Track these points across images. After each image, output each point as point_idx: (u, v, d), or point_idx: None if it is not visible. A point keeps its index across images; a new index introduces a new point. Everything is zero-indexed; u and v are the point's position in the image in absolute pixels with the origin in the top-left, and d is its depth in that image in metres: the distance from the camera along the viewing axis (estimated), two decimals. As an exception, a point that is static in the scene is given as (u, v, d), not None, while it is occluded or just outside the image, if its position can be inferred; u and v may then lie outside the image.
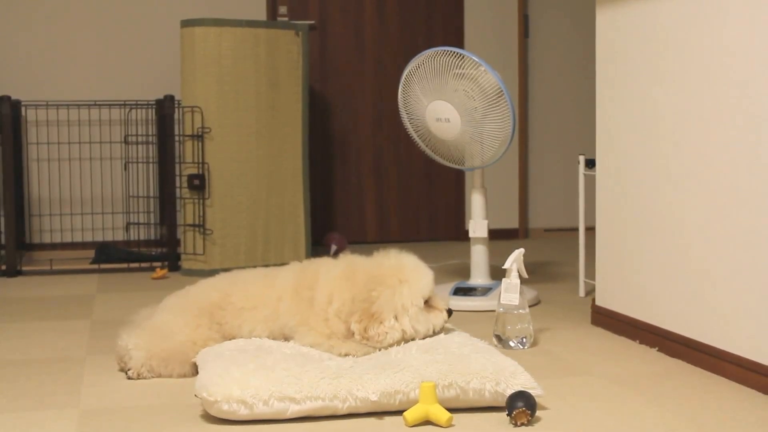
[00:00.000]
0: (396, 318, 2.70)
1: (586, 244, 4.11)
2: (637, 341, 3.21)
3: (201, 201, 4.73)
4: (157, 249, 5.25)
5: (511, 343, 3.15)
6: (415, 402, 2.39)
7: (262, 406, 2.35)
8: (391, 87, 5.93)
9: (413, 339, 2.73)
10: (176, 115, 4.95)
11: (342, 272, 2.83)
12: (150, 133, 5.45)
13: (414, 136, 4.04)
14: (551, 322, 3.57)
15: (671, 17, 2.99)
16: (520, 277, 3.15)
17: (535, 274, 4.69)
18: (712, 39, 2.78)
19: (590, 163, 4.01)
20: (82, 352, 3.15)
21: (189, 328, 2.83)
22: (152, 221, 5.51)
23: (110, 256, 5.05)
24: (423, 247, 5.74)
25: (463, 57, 3.72)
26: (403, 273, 2.76)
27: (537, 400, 2.39)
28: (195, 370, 2.75)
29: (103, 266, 4.95)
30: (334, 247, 5.45)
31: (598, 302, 3.52)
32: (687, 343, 2.93)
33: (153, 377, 2.78)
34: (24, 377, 2.83)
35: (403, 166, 6.00)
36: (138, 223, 5.46)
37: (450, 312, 2.83)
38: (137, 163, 5.43)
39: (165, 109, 4.94)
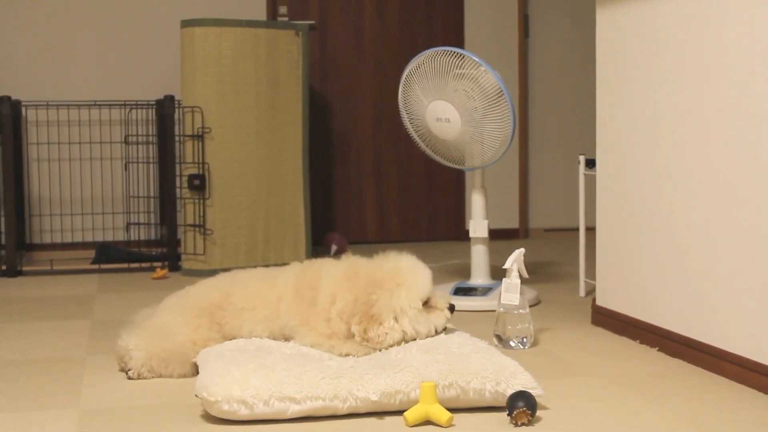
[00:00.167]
0: (396, 319, 2.70)
1: (587, 244, 4.11)
2: (638, 341, 3.21)
3: (201, 201, 4.73)
4: (157, 249, 5.25)
5: (512, 343, 3.15)
6: (415, 402, 2.39)
7: (262, 406, 2.35)
8: (391, 87, 5.93)
9: (414, 339, 2.74)
10: (176, 115, 4.95)
11: (344, 273, 2.83)
12: (150, 133, 5.45)
13: (414, 136, 4.04)
14: (552, 322, 3.57)
15: (671, 17, 2.99)
16: (521, 277, 3.15)
17: (535, 274, 4.69)
18: (712, 39, 2.78)
19: (590, 163, 4.01)
20: (82, 352, 3.15)
21: (189, 329, 2.83)
22: (152, 221, 5.51)
23: (110, 256, 5.05)
24: (423, 247, 5.74)
25: (463, 57, 3.72)
26: (400, 276, 2.75)
27: (537, 400, 2.39)
28: (195, 371, 2.75)
29: (104, 266, 4.95)
30: (334, 248, 5.45)
31: (598, 302, 3.52)
32: (687, 343, 2.93)
33: (153, 377, 2.79)
34: (24, 377, 2.83)
35: (403, 166, 6.00)
36: (138, 223, 5.46)
37: (452, 308, 2.83)
38: (137, 163, 5.43)
39: (165, 109, 4.94)
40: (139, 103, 5.29)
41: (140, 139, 5.43)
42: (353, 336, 2.72)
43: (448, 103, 3.78)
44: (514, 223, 6.17)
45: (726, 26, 2.71)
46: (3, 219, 4.91)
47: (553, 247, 5.71)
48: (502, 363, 2.50)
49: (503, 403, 2.41)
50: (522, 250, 3.19)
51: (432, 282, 2.81)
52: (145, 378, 2.78)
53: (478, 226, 3.97)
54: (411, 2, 5.96)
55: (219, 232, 4.75)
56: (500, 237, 6.04)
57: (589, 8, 6.07)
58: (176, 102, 4.94)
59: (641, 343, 3.19)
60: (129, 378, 2.78)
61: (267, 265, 3.23)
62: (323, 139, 5.90)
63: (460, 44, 6.00)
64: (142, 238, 5.45)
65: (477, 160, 3.92)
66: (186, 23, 4.76)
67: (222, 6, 5.71)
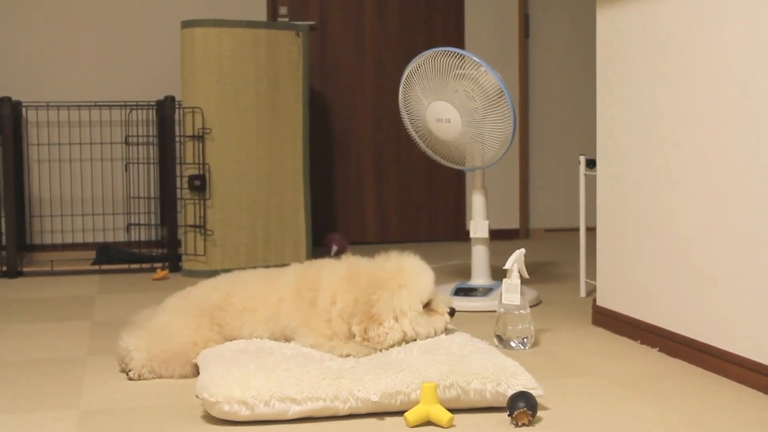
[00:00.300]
0: (396, 320, 2.70)
1: (587, 244, 4.11)
2: (638, 341, 3.21)
3: (201, 202, 4.73)
4: (157, 250, 5.25)
5: (512, 344, 3.15)
6: (416, 402, 2.39)
7: (263, 407, 2.35)
8: (392, 87, 5.93)
9: (414, 340, 2.74)
10: (177, 116, 4.95)
11: (345, 273, 2.83)
12: (150, 133, 5.45)
13: (414, 136, 4.04)
14: (552, 323, 3.57)
15: (671, 17, 2.99)
16: (521, 277, 3.15)
17: (535, 274, 4.69)
18: (712, 39, 2.78)
19: (591, 164, 4.01)
20: (82, 353, 3.15)
21: (190, 329, 2.83)
22: (153, 222, 5.51)
23: (111, 257, 5.05)
24: (423, 247, 5.74)
25: (463, 57, 3.72)
26: (402, 277, 2.75)
27: (538, 400, 2.39)
28: (196, 371, 2.75)
29: (104, 267, 4.95)
30: (334, 248, 5.45)
31: (598, 302, 3.52)
32: (688, 343, 2.93)
33: (154, 378, 2.79)
34: (25, 378, 2.83)
35: (403, 167, 6.00)
36: (139, 224, 5.46)
37: (453, 312, 2.83)
38: (138, 163, 5.43)
39: (165, 109, 4.94)
40: (139, 103, 5.29)
41: (140, 139, 5.43)
42: (354, 336, 2.72)
43: (449, 103, 3.78)
44: (514, 223, 6.17)
45: (726, 26, 2.71)
46: (3, 220, 4.91)
47: (554, 247, 5.71)
48: (502, 363, 2.50)
49: (504, 404, 2.41)
50: (522, 251, 3.19)
51: (434, 284, 2.80)
52: (145, 379, 2.78)
53: (478, 226, 3.97)
54: (411, 2, 5.97)
55: (219, 233, 4.75)
56: (501, 237, 6.04)
57: (589, 8, 6.07)
58: (176, 102, 4.94)
59: (642, 343, 3.19)
60: (129, 379, 2.78)
61: (267, 266, 3.24)
62: (323, 139, 5.90)
63: (461, 44, 6.00)
64: (143, 238, 5.46)
65: (477, 160, 3.92)
66: (186, 24, 4.76)
67: (222, 7, 5.71)
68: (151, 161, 5.44)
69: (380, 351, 2.69)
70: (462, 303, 3.79)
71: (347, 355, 2.68)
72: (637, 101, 3.21)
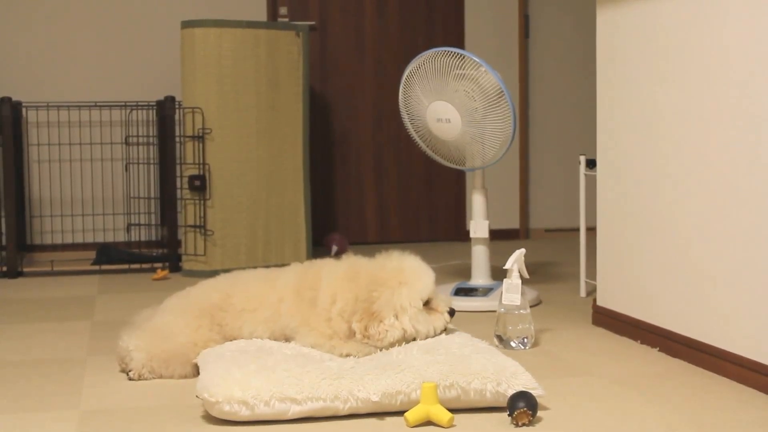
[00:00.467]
0: (396, 317, 2.71)
1: (587, 244, 4.11)
2: (638, 341, 3.21)
3: (202, 202, 4.74)
4: (157, 250, 5.25)
5: (512, 344, 3.15)
6: (416, 402, 2.39)
7: (263, 407, 2.35)
8: (392, 87, 5.93)
9: (414, 339, 2.74)
10: (177, 116, 4.95)
11: (345, 273, 2.83)
12: (151, 134, 5.45)
13: (414, 136, 4.04)
14: (552, 323, 3.57)
15: (671, 17, 2.99)
16: (521, 277, 3.15)
17: (536, 274, 4.69)
18: (712, 39, 2.78)
19: (591, 164, 4.00)
20: (82, 353, 3.15)
21: (190, 330, 2.83)
22: (153, 222, 5.51)
23: (111, 257, 5.05)
24: (423, 247, 5.74)
25: (463, 57, 3.72)
26: (403, 275, 2.76)
27: (538, 400, 2.39)
28: (196, 371, 2.75)
29: (104, 267, 4.95)
30: (334, 248, 5.45)
31: (599, 302, 3.52)
32: (688, 343, 2.93)
33: (154, 378, 2.79)
34: (25, 378, 2.83)
35: (403, 167, 6.00)
36: (139, 224, 5.46)
37: (452, 312, 2.83)
38: (138, 164, 5.43)
39: (165, 110, 4.94)
40: (139, 104, 5.29)
41: (141, 140, 5.43)
42: (354, 335, 2.73)
43: (449, 103, 3.78)
44: (514, 223, 6.17)
45: (726, 26, 2.71)
46: (3, 220, 4.91)
47: (554, 247, 5.71)
48: (502, 363, 2.50)
49: (504, 404, 2.41)
50: (522, 251, 3.19)
51: (434, 283, 2.81)
52: (145, 379, 2.78)
53: (478, 226, 3.97)
54: (411, 2, 5.97)
55: (219, 233, 4.75)
56: (501, 237, 6.04)
57: (589, 8, 6.07)
58: (177, 103, 4.94)
59: (642, 343, 3.19)
60: (130, 379, 2.78)
61: (267, 266, 3.24)
62: (323, 139, 5.90)
63: (461, 45, 6.00)
64: (143, 239, 5.45)
65: (477, 160, 3.92)
66: (186, 24, 4.76)
67: (222, 7, 5.71)
68: (151, 161, 5.44)
69: (380, 349, 2.70)
70: (462, 303, 3.79)
71: (347, 355, 2.68)
72: (637, 101, 3.21)
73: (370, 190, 5.97)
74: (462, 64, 3.73)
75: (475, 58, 3.71)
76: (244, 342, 2.80)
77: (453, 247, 5.80)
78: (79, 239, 5.50)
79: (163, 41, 5.65)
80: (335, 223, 5.93)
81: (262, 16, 5.76)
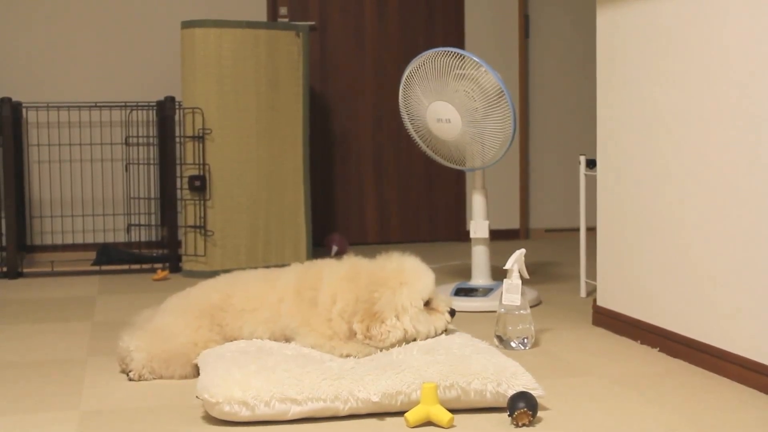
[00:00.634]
0: (397, 317, 2.71)
1: (587, 244, 4.11)
2: (639, 341, 3.21)
3: (202, 202, 4.74)
4: (158, 250, 5.25)
5: (513, 344, 3.15)
6: (416, 403, 2.39)
7: (263, 408, 2.35)
8: (392, 87, 5.93)
9: (415, 339, 2.74)
10: (177, 117, 4.95)
11: (345, 273, 2.84)
12: (151, 134, 5.45)
13: (415, 136, 4.04)
14: (552, 323, 3.57)
15: (671, 17, 2.99)
16: (522, 277, 3.15)
17: (536, 274, 4.69)
18: (712, 39, 2.78)
19: (591, 164, 4.00)
20: (83, 354, 3.15)
21: (190, 330, 2.83)
22: (153, 223, 5.52)
23: (111, 257, 5.05)
24: (424, 247, 5.74)
25: (463, 57, 3.72)
26: (403, 276, 2.77)
27: (538, 400, 2.39)
28: (196, 372, 2.75)
29: (105, 268, 4.95)
30: (334, 248, 5.45)
31: (599, 302, 3.52)
32: (688, 343, 2.93)
33: (154, 379, 2.79)
34: (25, 379, 2.83)
35: (403, 167, 6.00)
36: (139, 225, 5.46)
37: (453, 312, 2.83)
38: (138, 164, 5.43)
39: (166, 110, 4.94)
40: (139, 104, 5.29)
41: (141, 140, 5.43)
42: (355, 335, 2.73)
43: (449, 103, 3.78)
44: (514, 223, 6.17)
45: (726, 26, 2.71)
46: (4, 220, 4.91)
47: (554, 247, 5.71)
48: (503, 364, 2.50)
49: (504, 404, 2.41)
50: (523, 251, 3.19)
51: (434, 284, 2.81)
52: (146, 379, 2.78)
53: (478, 226, 3.97)
54: (411, 3, 5.97)
55: (219, 233, 4.75)
56: (501, 237, 6.04)
57: (589, 9, 6.07)
58: (177, 103, 4.94)
59: (642, 343, 3.19)
60: (130, 379, 2.78)
61: (268, 266, 3.24)
62: (323, 139, 5.90)
63: (461, 45, 6.00)
64: (143, 239, 5.45)
65: (477, 160, 3.92)
66: (186, 24, 4.76)
67: (222, 7, 5.71)
68: (152, 162, 5.44)
69: (381, 349, 2.70)
70: (462, 303, 3.79)
71: (347, 356, 2.68)
72: (637, 101, 3.21)
73: (370, 191, 5.97)
74: (462, 64, 3.73)
75: (475, 58, 3.71)
76: (244, 342, 2.80)
77: (453, 247, 5.80)
78: (79, 240, 5.50)
79: (163, 41, 5.65)
80: (335, 224, 5.93)
81: (262, 16, 5.76)
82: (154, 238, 5.48)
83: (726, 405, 2.50)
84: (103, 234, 5.55)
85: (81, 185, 5.51)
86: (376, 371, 2.46)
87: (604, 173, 3.46)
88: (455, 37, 6.02)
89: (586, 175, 4.06)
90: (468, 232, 5.83)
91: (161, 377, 2.79)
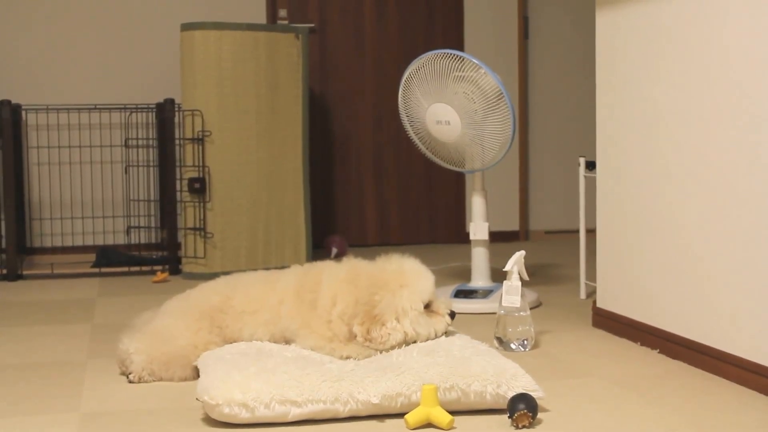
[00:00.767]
0: (397, 320, 2.71)
1: (587, 246, 4.11)
2: (638, 343, 3.21)
3: (201, 204, 4.74)
4: (157, 252, 5.25)
5: (513, 346, 3.15)
6: (416, 405, 2.39)
7: (263, 410, 2.35)
8: (391, 89, 5.93)
9: (415, 342, 2.74)
10: (176, 119, 4.95)
11: (345, 275, 2.83)
12: (150, 136, 5.45)
13: (414, 138, 4.04)
14: (552, 325, 3.57)
15: (671, 17, 2.99)
16: (521, 279, 3.15)
17: (536, 276, 4.69)
18: (712, 39, 2.78)
19: (591, 165, 4.01)
20: (83, 356, 3.15)
21: (190, 332, 2.83)
22: (153, 225, 5.51)
23: (111, 259, 5.05)
24: (423, 249, 5.74)
25: (463, 59, 3.72)
26: (403, 278, 2.77)
27: (538, 402, 2.39)
28: (196, 374, 2.75)
29: (104, 270, 4.95)
30: (334, 250, 5.45)
31: (599, 304, 3.52)
32: (688, 345, 2.92)
33: (154, 381, 2.78)
34: (25, 381, 2.83)
35: (403, 169, 6.00)
36: (139, 227, 5.46)
37: (453, 315, 2.83)
38: (138, 166, 5.43)
39: (165, 112, 4.94)
40: (139, 106, 5.29)
41: (140, 142, 5.43)
42: (355, 337, 2.72)
43: (448, 105, 3.78)
44: (514, 225, 6.17)
45: (726, 26, 2.71)
46: (3, 223, 4.91)
47: (554, 249, 5.71)
48: (502, 365, 2.50)
49: (504, 406, 2.40)
50: (522, 253, 3.19)
51: (434, 286, 2.81)
52: (146, 381, 2.77)
53: (478, 228, 3.97)
54: (410, 4, 5.97)
55: (219, 235, 4.75)
56: (501, 239, 6.04)
57: (589, 10, 6.07)
58: (176, 105, 4.94)
59: (642, 344, 3.19)
60: (130, 381, 2.78)
61: (268, 268, 3.24)
62: (323, 141, 5.90)
63: (460, 47, 6.00)
64: (143, 241, 5.45)
65: (477, 162, 3.92)
66: (186, 26, 4.76)
67: (222, 9, 5.71)
68: (151, 164, 5.44)
69: (381, 352, 2.69)
70: (462, 305, 3.79)
71: (347, 357, 2.68)
72: (637, 101, 3.21)
73: (370, 192, 5.97)
74: (461, 66, 3.73)
75: (474, 60, 3.71)
76: (244, 344, 2.79)
77: (453, 249, 5.80)
78: (78, 242, 5.50)
79: (163, 44, 5.65)
80: (335, 225, 5.93)
81: (261, 18, 5.76)
82: (153, 241, 5.48)
83: (726, 406, 2.49)
84: (102, 236, 5.55)
85: (81, 187, 5.51)
86: (376, 373, 2.46)
87: (604, 174, 3.46)
88: (454, 39, 6.02)
89: (585, 176, 4.06)
90: (468, 234, 5.83)
91: (161, 379, 2.79)
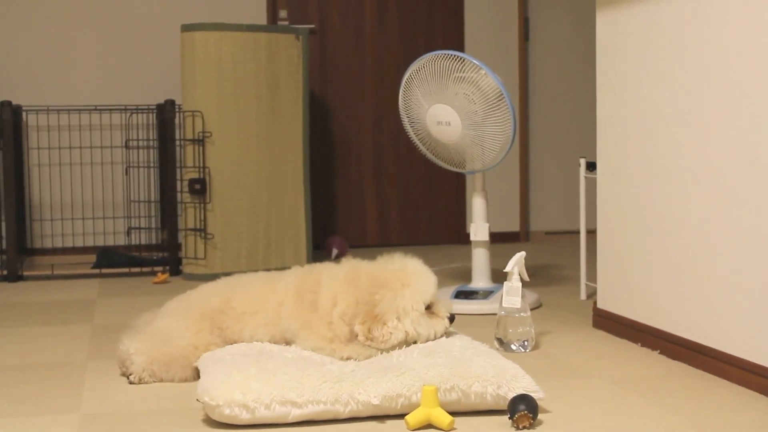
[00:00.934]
0: (398, 319, 2.71)
1: (588, 247, 4.10)
2: (639, 344, 3.21)
3: (202, 205, 4.74)
4: (158, 253, 5.25)
5: (513, 347, 3.15)
6: (416, 405, 2.39)
7: (263, 411, 2.35)
8: (392, 90, 5.93)
9: (415, 342, 2.74)
10: (177, 120, 4.96)
11: (345, 276, 2.83)
12: (151, 137, 5.45)
13: (414, 139, 4.04)
14: (553, 325, 3.57)
15: (671, 18, 2.99)
16: (522, 280, 3.15)
17: (536, 277, 4.69)
18: (712, 39, 2.78)
19: (591, 166, 4.01)
20: (83, 357, 3.15)
21: (190, 333, 2.83)
22: (153, 226, 5.51)
23: (111, 260, 5.05)
24: (424, 250, 5.74)
25: (463, 60, 3.72)
26: (405, 277, 2.76)
27: (539, 403, 2.39)
28: (196, 375, 2.75)
29: (105, 271, 4.95)
30: (335, 251, 5.45)
31: (599, 305, 3.52)
32: (688, 346, 2.92)
33: (154, 382, 2.78)
34: (25, 382, 2.83)
35: (403, 170, 6.00)
36: (139, 228, 5.46)
37: (452, 318, 2.83)
38: (138, 167, 5.43)
39: (166, 113, 4.94)
40: (139, 107, 5.29)
41: (141, 143, 5.43)
42: (356, 337, 2.72)
43: (449, 106, 3.78)
44: (514, 226, 6.17)
45: (726, 26, 2.71)
46: (4, 224, 4.91)
47: (554, 250, 5.71)
48: (503, 366, 2.50)
49: (505, 407, 2.40)
50: (523, 254, 3.19)
51: (436, 287, 2.81)
52: (146, 382, 2.77)
53: (478, 229, 3.97)
54: (411, 5, 5.97)
55: (220, 236, 4.75)
56: (501, 240, 6.04)
57: (589, 11, 6.07)
58: (177, 106, 4.94)
59: (642, 345, 3.19)
60: (130, 382, 2.78)
61: (268, 269, 3.24)
62: (323, 142, 5.90)
63: (461, 47, 6.00)
64: (143, 242, 5.45)
65: (477, 163, 3.92)
66: (186, 28, 4.76)
67: (222, 10, 5.71)
68: (152, 165, 5.44)
69: (382, 352, 2.69)
70: (463, 306, 3.79)
71: (348, 358, 2.68)
72: (637, 102, 3.21)
73: (370, 193, 5.97)
74: (462, 67, 3.73)
75: (474, 61, 3.71)
76: (244, 345, 2.79)
77: (453, 249, 5.80)
78: (79, 243, 5.50)
79: (163, 45, 5.65)
80: (335, 226, 5.93)
81: (262, 19, 5.76)
82: (154, 241, 5.48)
83: (726, 407, 2.49)
84: (103, 237, 5.55)
85: (81, 188, 5.51)
86: (376, 374, 2.46)
87: (604, 175, 3.46)
88: (455, 40, 6.02)
89: (586, 177, 4.06)
90: (468, 235, 5.83)
91: (161, 380, 2.79)
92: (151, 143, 5.43)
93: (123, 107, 5.33)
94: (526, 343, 3.16)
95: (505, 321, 3.16)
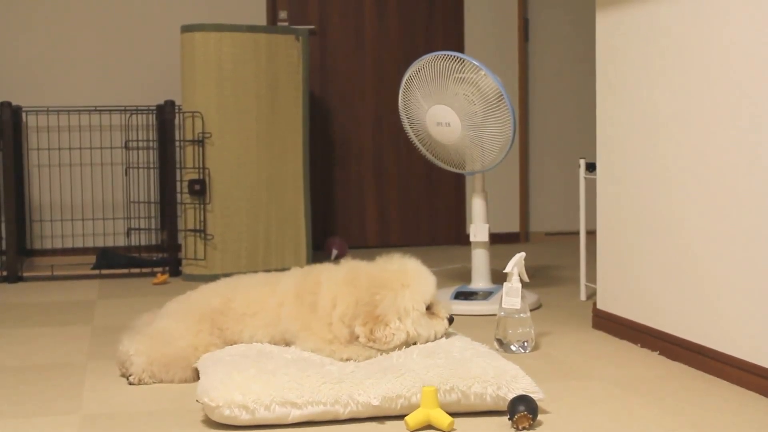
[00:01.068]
0: (399, 319, 2.71)
1: (587, 247, 4.10)
2: (639, 345, 3.21)
3: (202, 206, 4.74)
4: (158, 254, 5.25)
5: (513, 347, 3.15)
6: (416, 406, 2.38)
7: (263, 411, 2.35)
8: (392, 91, 5.93)
9: (415, 342, 2.74)
10: (177, 121, 4.96)
11: (345, 277, 2.83)
12: (150, 138, 5.45)
13: (414, 140, 4.04)
14: (552, 326, 3.57)
15: (671, 18, 2.99)
16: (522, 281, 3.15)
17: (536, 277, 4.69)
18: (712, 39, 2.78)
19: (591, 167, 4.01)
20: (83, 358, 3.15)
21: (190, 334, 2.83)
22: (153, 226, 5.51)
23: (111, 261, 5.05)
24: (424, 251, 5.74)
25: (463, 61, 3.72)
26: (405, 277, 2.76)
27: (538, 403, 2.39)
28: (196, 376, 2.75)
29: (104, 272, 4.95)
30: (334, 252, 5.45)
31: (599, 306, 3.52)
32: (688, 347, 2.92)
33: (154, 382, 2.78)
34: (25, 383, 2.83)
35: (403, 170, 6.00)
36: (139, 229, 5.46)
37: (451, 319, 2.83)
38: (138, 168, 5.43)
39: (165, 114, 4.94)
40: (139, 108, 5.30)
41: (140, 144, 5.43)
42: (356, 339, 2.72)
43: (449, 107, 3.78)
44: (514, 226, 6.17)
45: (726, 26, 2.71)
46: (4, 224, 4.91)
47: (554, 250, 5.71)
48: (503, 367, 2.50)
49: (504, 408, 2.40)
50: (523, 254, 3.19)
51: (436, 288, 2.81)
52: (146, 383, 2.77)
53: (478, 230, 3.97)
54: (411, 6, 5.97)
55: (219, 237, 4.75)
56: (501, 241, 6.04)
57: (589, 11, 6.08)
58: (176, 107, 4.94)
59: (642, 346, 3.19)
60: (130, 383, 2.78)
61: (268, 270, 3.24)
62: (323, 143, 5.90)
63: (460, 48, 6.00)
64: (143, 243, 5.45)
65: (477, 164, 3.92)
66: (186, 28, 4.76)
67: (222, 11, 5.71)
68: (151, 166, 5.44)
69: (382, 353, 2.69)
70: (462, 307, 3.79)
71: (348, 359, 2.68)
72: (637, 102, 3.21)
73: (370, 194, 5.97)
74: (462, 68, 3.73)
75: (474, 62, 3.71)
76: (244, 346, 2.79)
77: (453, 250, 5.80)
78: (79, 244, 5.50)
79: (163, 45, 5.65)
80: (335, 227, 5.93)
81: (261, 20, 5.76)
82: (154, 242, 5.48)
83: (726, 408, 2.49)
84: (102, 238, 5.55)
85: (81, 189, 5.51)
86: (376, 375, 2.46)
87: (604, 176, 3.46)
88: (455, 41, 6.02)
89: (585, 178, 4.06)
90: (468, 236, 5.83)
91: (161, 381, 2.79)
92: (150, 144, 5.43)
93: (123, 108, 5.33)
94: (525, 343, 3.16)
95: (505, 322, 3.16)
